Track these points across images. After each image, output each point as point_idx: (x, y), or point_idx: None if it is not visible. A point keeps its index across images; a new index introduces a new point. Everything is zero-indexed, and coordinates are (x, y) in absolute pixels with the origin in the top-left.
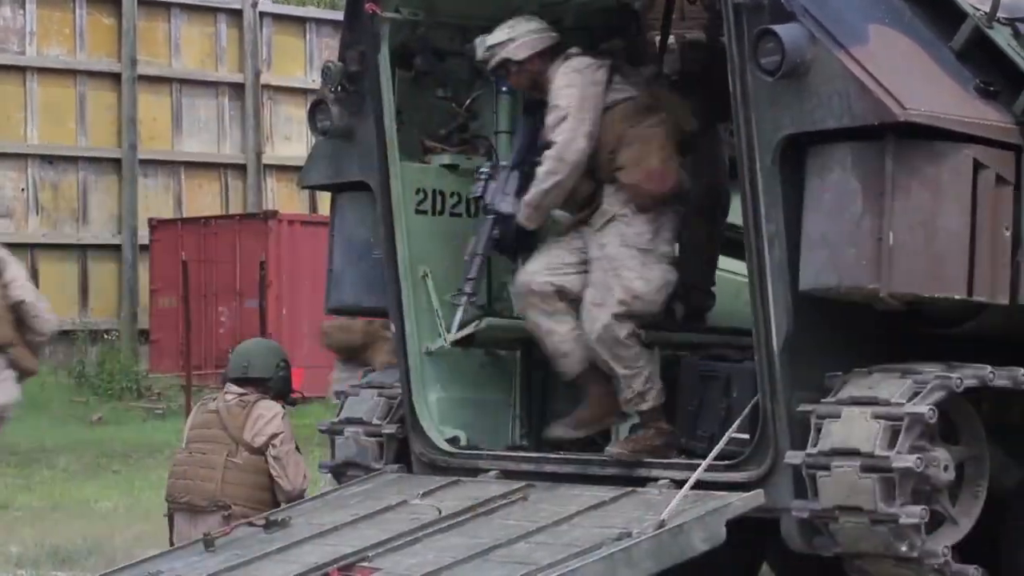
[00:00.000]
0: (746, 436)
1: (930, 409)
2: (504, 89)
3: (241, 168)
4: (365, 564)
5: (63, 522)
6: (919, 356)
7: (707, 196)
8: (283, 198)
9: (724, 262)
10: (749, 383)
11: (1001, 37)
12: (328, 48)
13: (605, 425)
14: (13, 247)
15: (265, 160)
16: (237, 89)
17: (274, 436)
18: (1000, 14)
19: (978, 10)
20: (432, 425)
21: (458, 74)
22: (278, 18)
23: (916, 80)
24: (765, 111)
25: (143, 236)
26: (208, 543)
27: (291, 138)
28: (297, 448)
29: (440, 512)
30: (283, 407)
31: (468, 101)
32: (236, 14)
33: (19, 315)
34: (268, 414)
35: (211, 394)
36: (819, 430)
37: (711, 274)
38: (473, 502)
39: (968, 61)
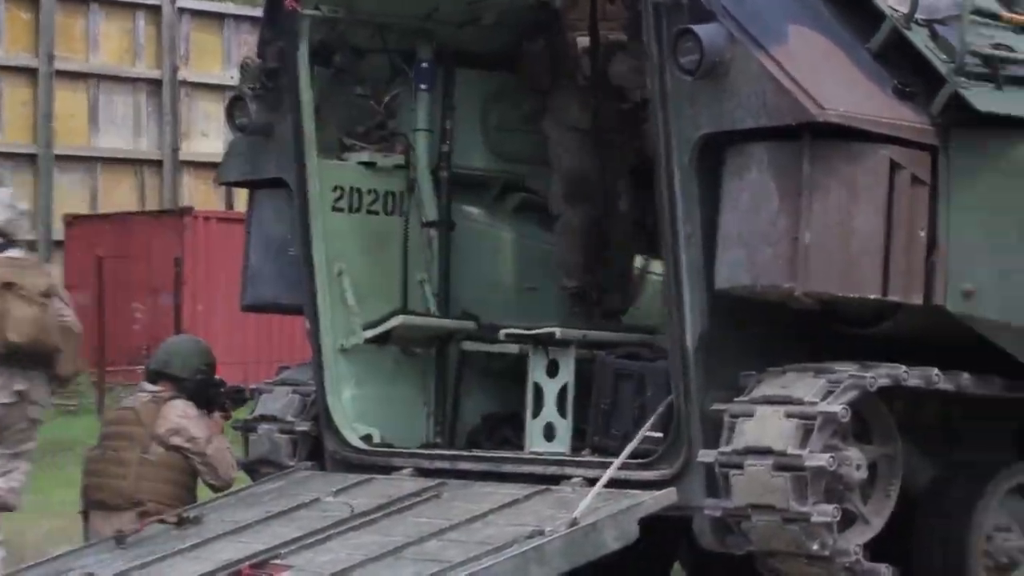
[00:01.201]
0: (660, 435)
1: (843, 408)
2: (423, 87)
3: (158, 164)
4: (277, 561)
5: None
6: (834, 356)
7: (625, 197)
8: (200, 195)
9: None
10: (663, 382)
11: (919, 38)
12: (247, 45)
13: None
14: None
15: (182, 156)
16: (155, 85)
17: (192, 439)
18: (918, 15)
19: (896, 11)
20: (346, 422)
21: (377, 71)
22: (197, 14)
23: (834, 80)
24: (683, 110)
25: (58, 232)
26: (120, 540)
27: (208, 134)
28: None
29: (353, 510)
30: (222, 415)
31: (387, 99)
32: (155, 10)
33: None
34: (182, 414)
35: (129, 392)
36: (732, 429)
37: (628, 272)
38: (386, 500)
39: (886, 62)
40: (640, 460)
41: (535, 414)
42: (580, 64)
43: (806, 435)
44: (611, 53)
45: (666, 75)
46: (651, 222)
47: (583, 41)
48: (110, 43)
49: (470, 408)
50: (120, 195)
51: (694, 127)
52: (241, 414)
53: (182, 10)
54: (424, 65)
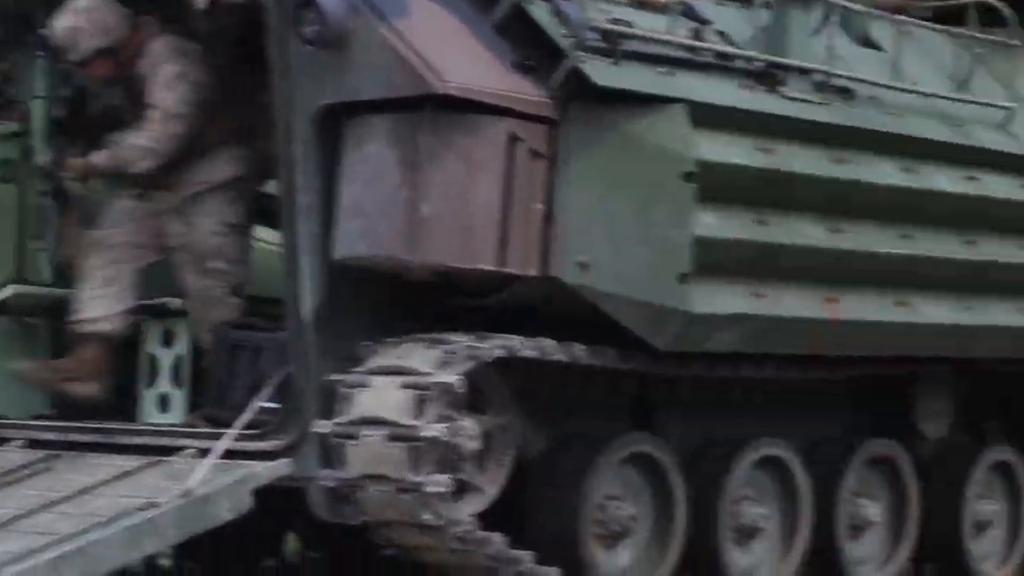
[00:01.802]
0: (277, 406)
1: (458, 379)
2: (41, 54)
3: None
4: None
5: None
6: (454, 327)
7: (247, 164)
8: None
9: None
10: (281, 353)
11: (540, 12)
12: None
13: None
14: None
15: None
16: None
17: None
18: None
19: None
20: None
21: None
22: None
23: (455, 53)
24: (304, 80)
25: None
26: None
27: None
28: None
29: None
30: None
31: (4, 65)
32: None
33: None
34: None
35: None
36: (348, 399)
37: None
38: None
39: (508, 36)
40: (255, 431)
41: (149, 385)
42: (199, 25)
43: (421, 405)
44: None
45: (287, 44)
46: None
47: (200, 2)
48: None
49: None
50: None
51: (314, 97)
52: None
53: None
54: (42, 31)
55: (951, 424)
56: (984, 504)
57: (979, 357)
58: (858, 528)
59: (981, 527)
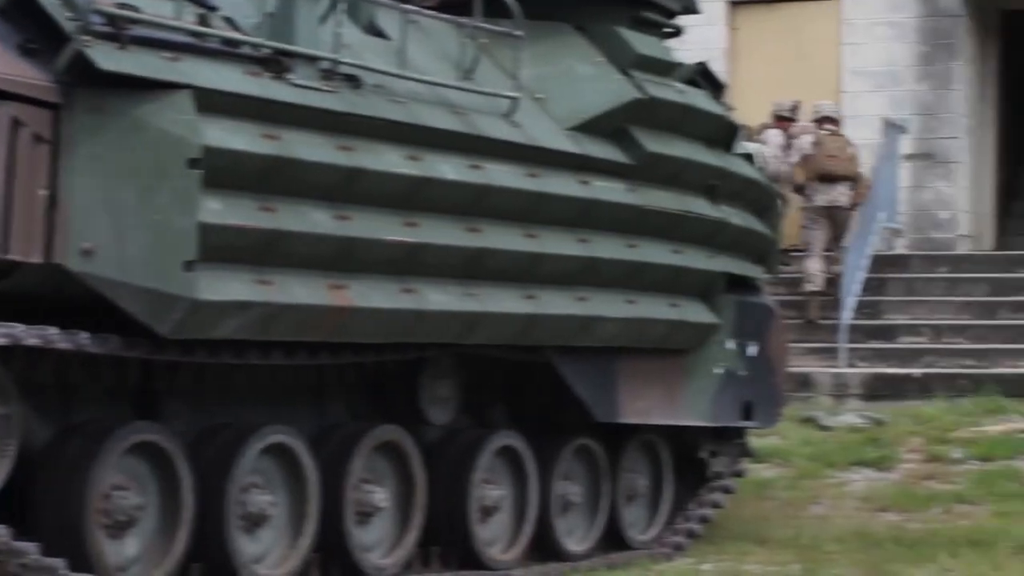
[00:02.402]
0: None
1: None
2: None
3: None
4: None
5: None
6: None
7: None
8: None
9: None
10: None
11: None
12: None
13: None
14: None
15: None
16: None
17: None
18: None
19: None
20: None
21: None
22: None
23: None
24: None
25: None
26: None
27: None
28: None
29: None
30: None
31: None
32: None
33: None
34: None
35: None
36: None
37: None
38: None
39: (11, 19)
40: None
41: None
42: None
43: None
44: None
45: None
46: None
47: None
48: None
49: None
50: None
51: None
52: None
53: None
54: None
55: (457, 410)
56: (490, 489)
57: (483, 343)
58: (366, 514)
59: (487, 512)
